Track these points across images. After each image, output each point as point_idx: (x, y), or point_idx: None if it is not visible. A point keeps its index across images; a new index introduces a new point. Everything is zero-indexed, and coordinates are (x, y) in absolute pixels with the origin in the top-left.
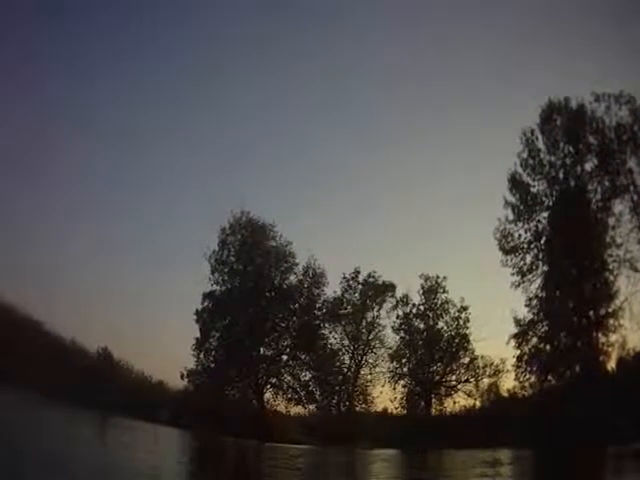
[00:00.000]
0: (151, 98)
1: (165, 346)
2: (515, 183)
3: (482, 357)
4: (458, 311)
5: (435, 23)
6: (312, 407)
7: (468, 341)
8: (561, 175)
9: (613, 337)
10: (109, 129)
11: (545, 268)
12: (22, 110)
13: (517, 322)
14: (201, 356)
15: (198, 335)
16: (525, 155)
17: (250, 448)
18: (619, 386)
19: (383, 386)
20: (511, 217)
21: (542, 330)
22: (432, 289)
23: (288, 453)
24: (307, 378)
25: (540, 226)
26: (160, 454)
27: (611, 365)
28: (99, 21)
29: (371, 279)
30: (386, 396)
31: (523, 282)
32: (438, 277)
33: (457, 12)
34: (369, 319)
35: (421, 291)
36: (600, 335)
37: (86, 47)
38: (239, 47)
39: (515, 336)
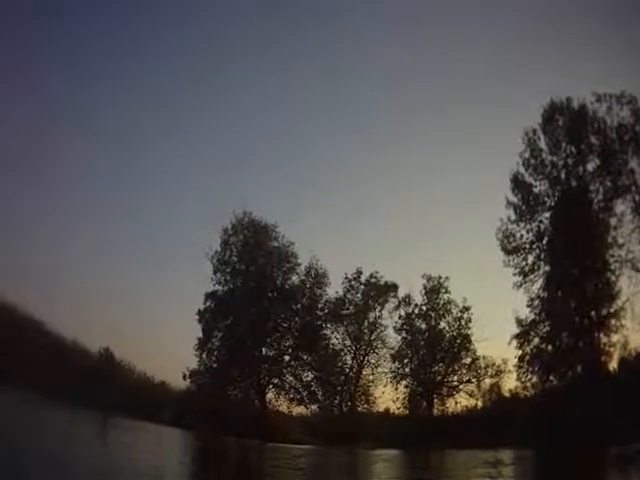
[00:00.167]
0: (151, 98)
1: (167, 346)
2: (517, 183)
3: (484, 357)
4: (460, 311)
5: (435, 23)
6: (314, 407)
7: (470, 341)
8: (563, 175)
9: (615, 337)
10: (109, 129)
11: (547, 268)
12: (22, 110)
13: (519, 322)
14: (203, 356)
15: (200, 335)
16: (527, 155)
17: (252, 448)
18: (621, 386)
19: (385, 386)
20: (513, 217)
21: (544, 330)
22: (434, 289)
23: (290, 453)
24: (309, 378)
25: (542, 226)
26: (162, 454)
27: (613, 365)
28: (99, 21)
29: (373, 279)
30: (388, 396)
31: (525, 282)
32: (440, 277)
33: (457, 12)
34: (371, 319)
35: (423, 291)
36: (602, 335)
37: (86, 47)
38: (239, 47)
39: (517, 336)
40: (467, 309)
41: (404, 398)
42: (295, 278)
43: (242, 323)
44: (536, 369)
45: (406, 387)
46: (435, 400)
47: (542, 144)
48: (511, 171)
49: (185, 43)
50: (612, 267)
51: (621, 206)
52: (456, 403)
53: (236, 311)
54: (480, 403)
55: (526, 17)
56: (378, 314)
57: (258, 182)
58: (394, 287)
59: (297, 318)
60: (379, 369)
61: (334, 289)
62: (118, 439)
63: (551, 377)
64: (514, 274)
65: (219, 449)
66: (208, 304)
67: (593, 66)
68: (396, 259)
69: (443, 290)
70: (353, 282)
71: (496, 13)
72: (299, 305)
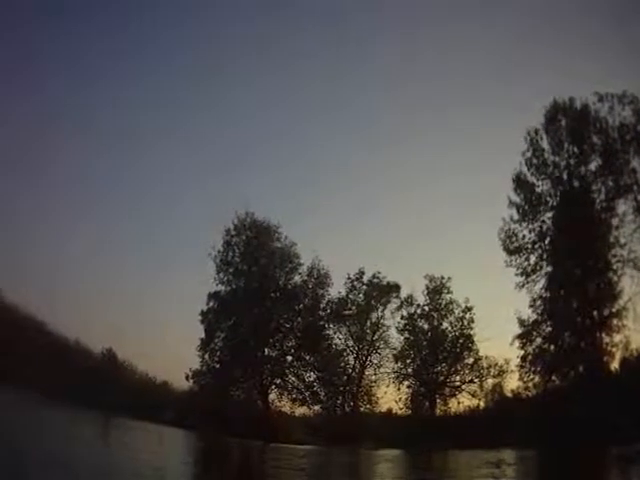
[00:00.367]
0: (151, 98)
1: (169, 347)
2: (520, 183)
3: (486, 357)
4: (462, 311)
5: (435, 23)
6: (316, 408)
7: (472, 341)
8: (565, 175)
9: (617, 337)
10: (109, 129)
11: (549, 268)
12: (22, 110)
13: (521, 323)
14: (206, 357)
15: (203, 336)
16: (529, 155)
17: (255, 449)
18: (623, 386)
19: (387, 386)
20: (515, 217)
21: (546, 330)
22: (437, 290)
23: (292, 454)
24: (312, 379)
25: (544, 226)
26: (164, 455)
27: (615, 365)
28: (99, 21)
29: (375, 280)
30: (390, 396)
31: (527, 282)
32: (443, 277)
33: (457, 12)
34: (373, 319)
35: (425, 291)
36: (604, 335)
37: (86, 47)
38: (239, 47)
39: (519, 336)
40: (469, 309)
41: (406, 398)
42: (297, 278)
43: (245, 323)
44: (538, 369)
45: (408, 387)
46: (437, 400)
47: (544, 144)
48: (512, 171)
49: (185, 43)
50: (614, 267)
51: (623, 206)
52: (458, 403)
53: (239, 311)
54: (482, 403)
55: (526, 17)
56: (380, 314)
57: (259, 182)
58: (396, 287)
59: (299, 318)
60: (381, 369)
61: (336, 289)
62: (120, 439)
63: (553, 377)
64: (516, 274)
65: (221, 450)
66: (211, 304)
67: (594, 66)
68: (398, 259)
69: (445, 290)
70: (355, 282)
71: (496, 13)
72: (301, 305)
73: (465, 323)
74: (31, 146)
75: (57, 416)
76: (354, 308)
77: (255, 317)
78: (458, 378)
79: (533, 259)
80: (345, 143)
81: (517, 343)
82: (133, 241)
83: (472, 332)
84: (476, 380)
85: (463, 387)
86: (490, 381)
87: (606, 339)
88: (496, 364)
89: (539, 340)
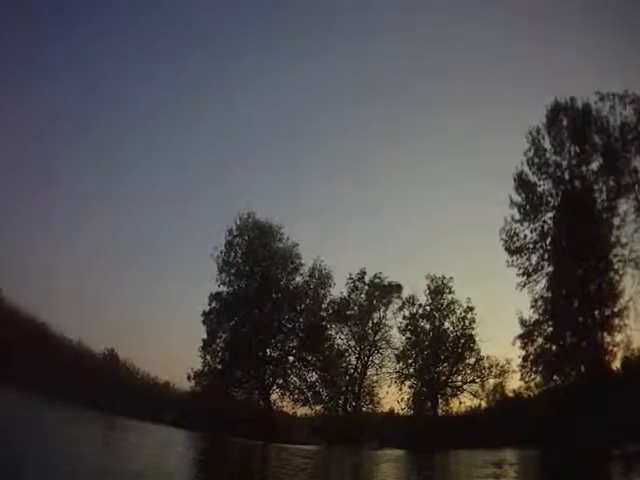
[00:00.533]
0: (152, 98)
1: (171, 347)
2: (521, 182)
3: (488, 357)
4: (464, 311)
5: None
6: (318, 408)
7: (474, 341)
8: (567, 175)
9: (618, 337)
10: (110, 129)
11: (550, 268)
12: (22, 111)
13: (523, 322)
14: (208, 357)
15: (205, 336)
16: (531, 154)
17: (256, 449)
18: (624, 386)
19: (389, 386)
20: (517, 217)
21: (547, 330)
22: (438, 289)
23: (294, 454)
24: (313, 379)
25: (546, 226)
26: (165, 455)
27: (616, 365)
28: (99, 21)
29: (377, 280)
30: (392, 396)
31: (529, 282)
32: (444, 277)
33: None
34: (375, 320)
35: (427, 291)
36: (605, 335)
37: (86, 47)
38: (239, 47)
39: (520, 336)
40: (471, 309)
41: (408, 398)
42: (299, 279)
43: (246, 324)
44: (540, 369)
45: (410, 387)
46: (439, 400)
47: (546, 144)
48: (512, 171)
49: (185, 43)
50: (615, 266)
51: (624, 205)
52: (460, 403)
53: (240, 312)
54: (484, 403)
55: (526, 17)
56: (382, 314)
57: (261, 183)
58: (398, 287)
59: (301, 319)
60: (383, 369)
61: (338, 289)
62: (121, 440)
63: (555, 377)
64: (518, 274)
65: (224, 450)
66: (213, 305)
67: (594, 66)
68: (400, 259)
69: (447, 290)
70: (357, 282)
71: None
72: (303, 306)
73: (467, 323)
74: (31, 146)
75: (58, 416)
76: (356, 308)
77: (257, 318)
78: (460, 378)
79: (534, 259)
80: (346, 143)
81: (518, 343)
82: (135, 241)
83: (474, 332)
84: (478, 380)
85: (465, 387)
86: (491, 381)
87: (607, 339)
88: (497, 364)
89: (540, 340)
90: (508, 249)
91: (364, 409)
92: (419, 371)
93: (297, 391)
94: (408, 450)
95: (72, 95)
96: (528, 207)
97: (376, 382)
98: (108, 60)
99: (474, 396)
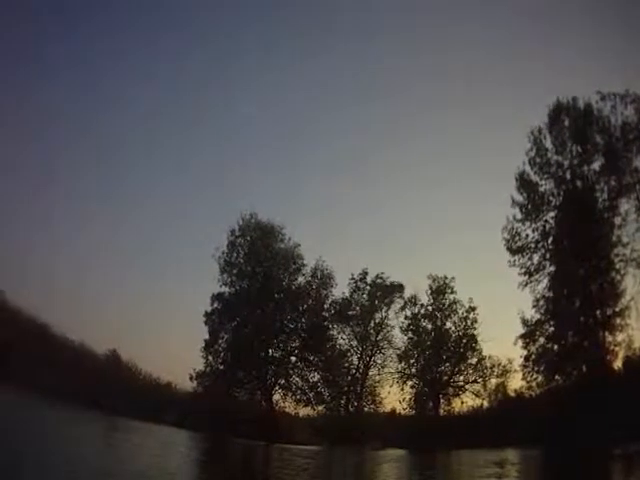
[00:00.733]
0: (152, 98)
1: (173, 348)
2: (523, 182)
3: (490, 357)
4: (466, 311)
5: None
6: (320, 408)
7: (476, 341)
8: (568, 175)
9: (620, 336)
10: (110, 130)
11: (552, 268)
12: (22, 111)
13: (524, 322)
14: (210, 358)
15: (207, 337)
16: (533, 154)
17: (259, 449)
18: (625, 385)
19: (391, 386)
20: (519, 216)
21: (549, 330)
22: (440, 289)
23: (296, 454)
24: (316, 379)
25: (547, 226)
26: (168, 456)
27: (618, 364)
28: (99, 21)
29: (379, 280)
30: (394, 397)
31: (530, 282)
32: (446, 277)
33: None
34: (377, 320)
35: (429, 291)
36: (607, 334)
37: (86, 47)
38: (239, 47)
39: (522, 336)
40: (473, 309)
41: (410, 398)
42: (301, 279)
43: (248, 324)
44: (541, 369)
45: (412, 387)
46: (441, 400)
47: (548, 143)
48: (512, 171)
49: (185, 43)
50: (617, 266)
51: (625, 205)
52: (462, 403)
53: (243, 312)
54: (486, 403)
55: (526, 17)
56: (384, 314)
57: (262, 183)
58: (400, 287)
59: (303, 319)
60: (385, 369)
61: (340, 290)
62: (123, 440)
63: (556, 376)
64: (519, 274)
65: (226, 451)
66: (215, 306)
67: (595, 66)
68: (402, 259)
69: (449, 290)
70: (359, 283)
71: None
72: (305, 306)
73: (469, 323)
74: (32, 146)
75: (58, 416)
76: (358, 308)
77: (259, 318)
78: (462, 378)
79: (536, 258)
80: (346, 143)
81: (520, 343)
82: (137, 241)
83: (476, 332)
84: (480, 380)
85: (467, 387)
86: (493, 381)
87: (609, 338)
88: (499, 364)
89: (542, 340)
90: (510, 249)
91: (366, 409)
92: (421, 371)
93: (299, 391)
94: (410, 450)
95: (72, 95)
96: (530, 206)
97: (378, 382)
98: (108, 60)
99: (476, 396)
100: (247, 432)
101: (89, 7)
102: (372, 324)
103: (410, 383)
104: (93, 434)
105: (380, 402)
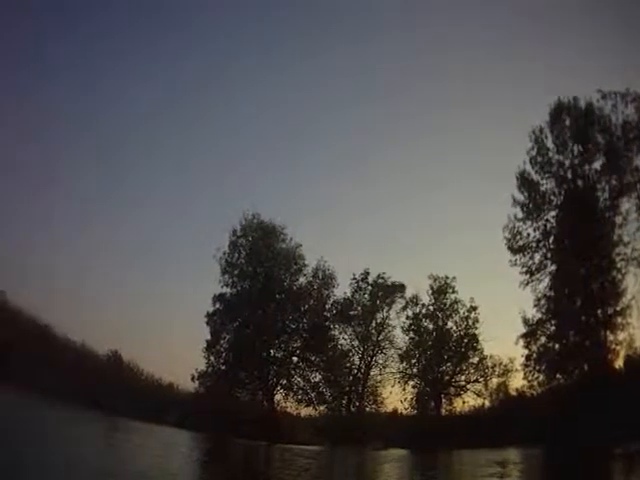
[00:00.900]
0: (152, 98)
1: (175, 348)
2: (524, 181)
3: (491, 357)
4: (467, 311)
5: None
6: (322, 408)
7: (477, 341)
8: (569, 174)
9: (621, 335)
10: (110, 129)
11: (553, 267)
12: (22, 111)
13: (525, 322)
14: (211, 358)
15: (208, 337)
16: (534, 153)
17: (260, 449)
18: (627, 384)
19: (393, 386)
20: (520, 215)
21: (550, 329)
22: (441, 289)
23: (298, 454)
24: (317, 379)
25: (548, 225)
26: (169, 456)
27: (619, 363)
28: (99, 21)
29: (380, 280)
30: (396, 396)
31: (532, 281)
32: (447, 277)
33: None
34: (379, 320)
35: (430, 291)
36: (608, 333)
37: (86, 47)
38: (240, 47)
39: (524, 335)
40: (474, 309)
41: (412, 398)
42: (303, 279)
43: (250, 325)
44: (543, 368)
45: (414, 387)
46: (443, 400)
47: (549, 143)
48: (513, 171)
49: (185, 43)
50: (618, 265)
51: (626, 204)
52: (464, 403)
53: (244, 313)
54: (487, 402)
55: (526, 17)
56: (386, 314)
57: (262, 183)
58: (401, 287)
59: (305, 319)
60: (387, 369)
61: (342, 290)
62: (124, 440)
63: (558, 375)
64: (521, 273)
65: (227, 451)
66: (216, 306)
67: (595, 65)
68: (403, 259)
69: (450, 290)
70: (360, 283)
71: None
72: (307, 306)
73: (470, 322)
74: (32, 146)
75: (59, 416)
76: (359, 308)
77: (260, 318)
78: (463, 377)
79: (537, 258)
80: (346, 143)
81: (521, 342)
82: (138, 242)
83: (477, 331)
84: (481, 379)
85: (468, 386)
86: (495, 380)
87: (610, 337)
88: (501, 363)
89: (543, 339)
90: (511, 248)
91: (368, 409)
92: (422, 371)
93: (301, 391)
94: (412, 450)
95: (72, 95)
96: (531, 206)
97: (379, 382)
98: (108, 60)
99: (477, 395)
100: (249, 432)
101: (89, 7)
102: (373, 324)
103: (411, 383)
104: (94, 434)
105: (382, 402)
